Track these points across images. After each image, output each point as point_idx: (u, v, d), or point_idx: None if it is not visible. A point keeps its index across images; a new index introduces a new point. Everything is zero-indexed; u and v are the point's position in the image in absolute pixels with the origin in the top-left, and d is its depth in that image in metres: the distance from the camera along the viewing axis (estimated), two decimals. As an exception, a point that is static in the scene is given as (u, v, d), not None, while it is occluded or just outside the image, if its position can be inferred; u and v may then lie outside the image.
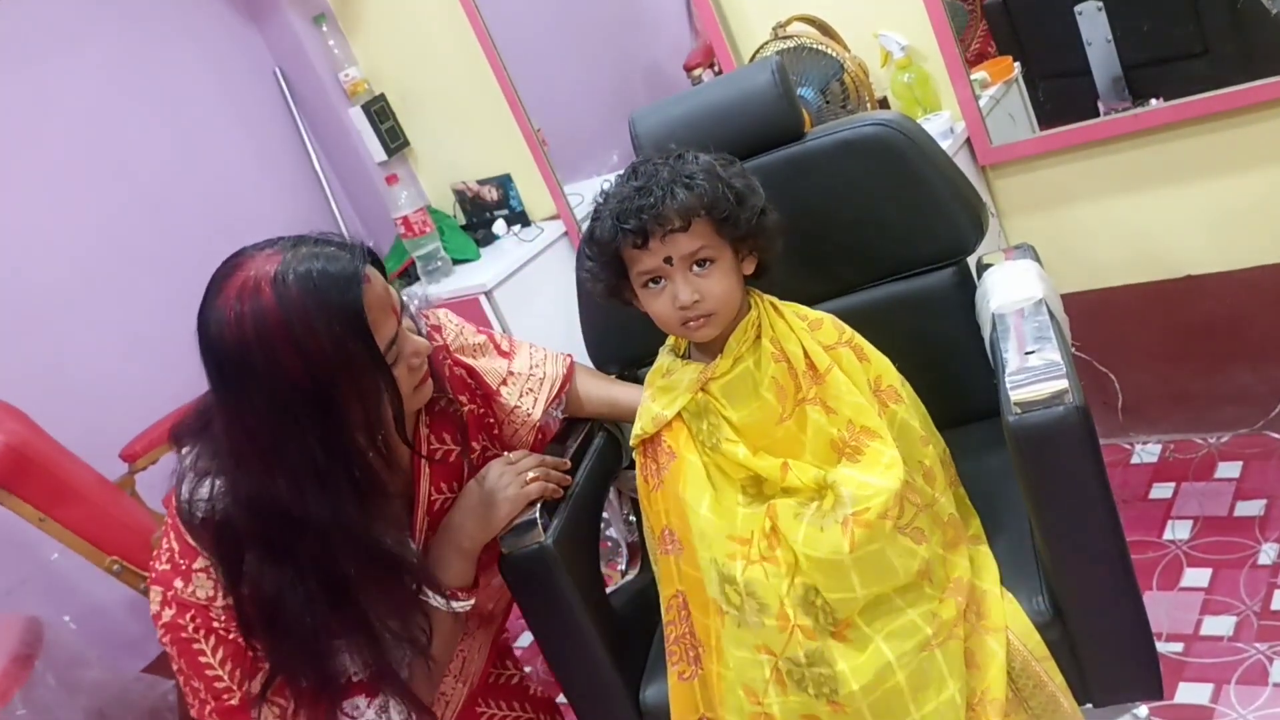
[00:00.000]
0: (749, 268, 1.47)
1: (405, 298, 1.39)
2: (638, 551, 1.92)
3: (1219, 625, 2.02)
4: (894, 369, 1.51)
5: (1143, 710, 1.85)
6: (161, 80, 3.08)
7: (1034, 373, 1.31)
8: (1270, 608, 2.01)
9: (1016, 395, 1.30)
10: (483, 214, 3.33)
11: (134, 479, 2.61)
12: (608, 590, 1.67)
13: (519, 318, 3.06)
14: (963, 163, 2.45)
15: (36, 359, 2.76)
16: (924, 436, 1.48)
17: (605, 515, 1.85)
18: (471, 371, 1.61)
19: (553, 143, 3.14)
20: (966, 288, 1.72)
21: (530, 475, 1.51)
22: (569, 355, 1.76)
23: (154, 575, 1.35)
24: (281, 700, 1.34)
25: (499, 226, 3.28)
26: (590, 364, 1.87)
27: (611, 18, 3.42)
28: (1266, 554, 2.12)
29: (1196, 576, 2.15)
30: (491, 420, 1.63)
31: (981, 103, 2.47)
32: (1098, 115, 2.41)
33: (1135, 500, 2.39)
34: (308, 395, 1.22)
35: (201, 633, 1.31)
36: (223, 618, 1.31)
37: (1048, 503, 1.34)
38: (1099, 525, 1.33)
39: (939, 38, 2.41)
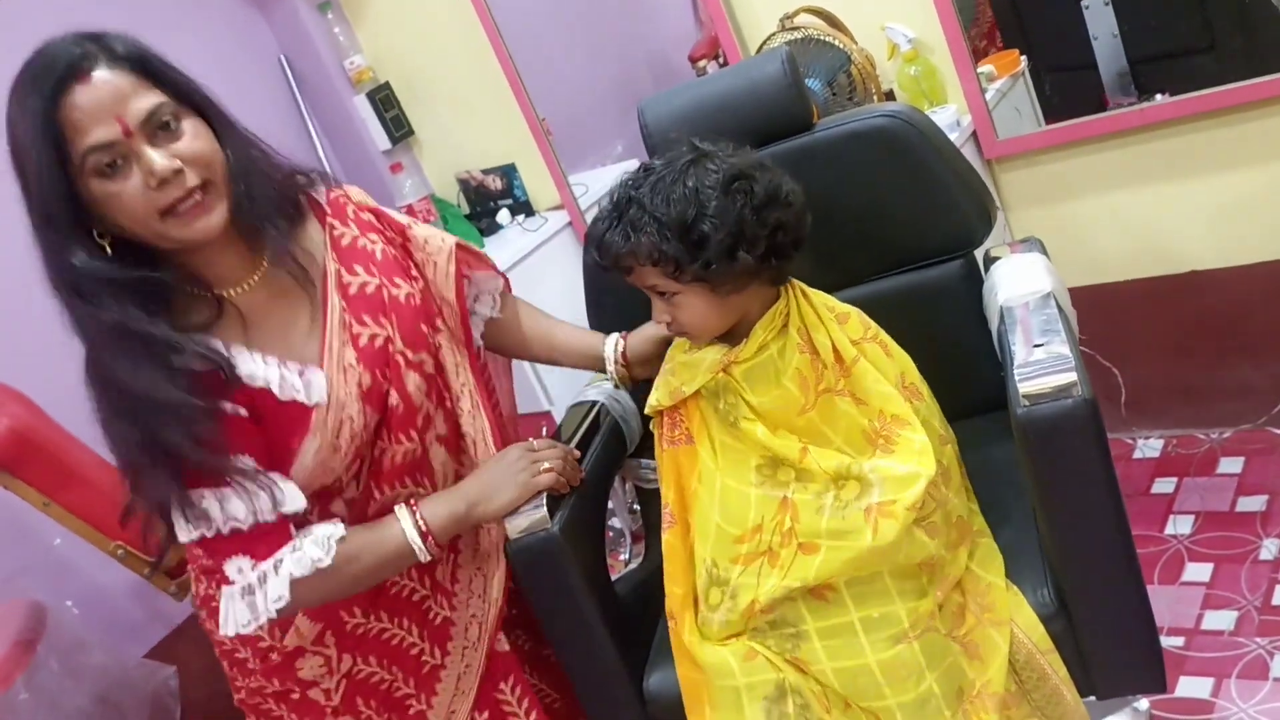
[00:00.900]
0: (750, 283, 1.41)
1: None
2: (642, 540, 1.93)
3: (1220, 620, 2.03)
4: (915, 367, 1.52)
5: (1144, 703, 1.86)
6: (166, 66, 3.06)
7: (1042, 365, 1.32)
8: (1271, 603, 2.02)
9: (1025, 388, 1.30)
10: (487, 203, 3.33)
11: (137, 465, 2.62)
12: (612, 579, 1.68)
13: (523, 308, 3.06)
14: (968, 156, 2.45)
15: (39, 343, 2.75)
16: (942, 435, 1.48)
17: (610, 504, 1.85)
18: (379, 213, 1.57)
19: (557, 132, 3.14)
20: (973, 280, 1.72)
21: (546, 465, 1.51)
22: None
23: None
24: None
25: (503, 216, 3.28)
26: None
27: (617, 8, 3.42)
28: (1268, 549, 2.13)
29: (1198, 571, 2.16)
30: (409, 263, 1.55)
31: (988, 96, 2.47)
32: (1103, 110, 2.41)
33: (1137, 495, 2.40)
34: (34, 191, 1.26)
35: None
36: None
37: (1054, 495, 1.34)
38: (1105, 518, 1.34)
39: (946, 31, 2.41)
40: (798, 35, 2.52)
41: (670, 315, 1.44)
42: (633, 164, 3.19)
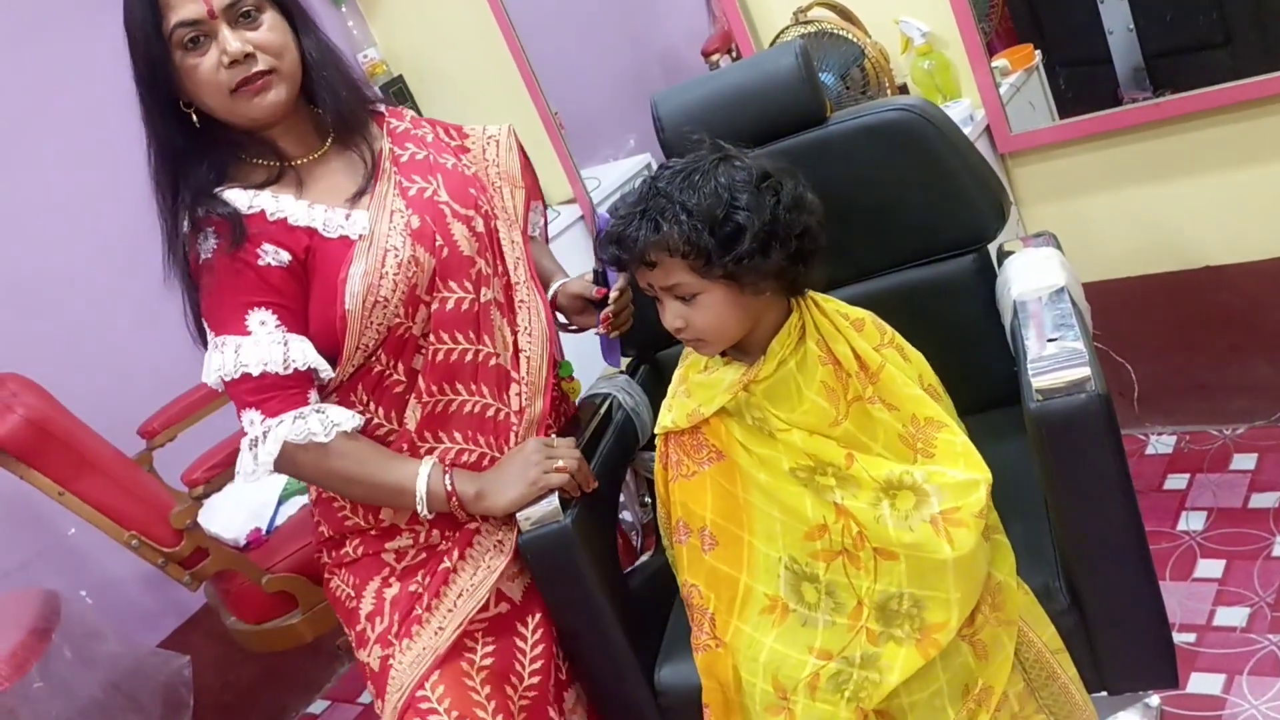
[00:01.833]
0: (771, 287, 1.39)
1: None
2: (653, 532, 1.93)
3: (1232, 616, 2.03)
4: (930, 368, 1.51)
5: (1155, 699, 1.86)
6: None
7: (1056, 360, 1.32)
8: (1284, 599, 2.02)
9: (1038, 382, 1.30)
10: (499, 196, 3.33)
11: (152, 456, 2.63)
12: (625, 571, 1.68)
13: (534, 301, 3.06)
14: (982, 150, 2.44)
15: (56, 335, 2.77)
16: None
17: (621, 496, 1.85)
18: (434, 121, 1.73)
19: (570, 126, 3.14)
20: (987, 274, 1.72)
21: (559, 464, 1.52)
22: None
23: None
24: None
25: (516, 209, 3.28)
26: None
27: (630, 2, 3.42)
28: (1281, 546, 2.13)
29: (1210, 567, 2.15)
30: (462, 149, 1.70)
31: (1002, 90, 2.46)
32: (1118, 104, 2.40)
33: (1150, 491, 2.40)
34: (133, 52, 1.45)
35: None
36: None
37: (1067, 490, 1.34)
38: (1118, 513, 1.34)
39: (960, 24, 2.40)
40: (811, 29, 2.52)
41: (685, 319, 1.40)
42: (645, 158, 3.23)
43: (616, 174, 3.25)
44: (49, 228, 2.82)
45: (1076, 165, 2.46)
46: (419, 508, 1.51)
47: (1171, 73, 2.38)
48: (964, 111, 2.44)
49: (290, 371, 1.45)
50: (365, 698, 2.88)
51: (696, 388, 1.47)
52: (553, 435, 1.60)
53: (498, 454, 1.58)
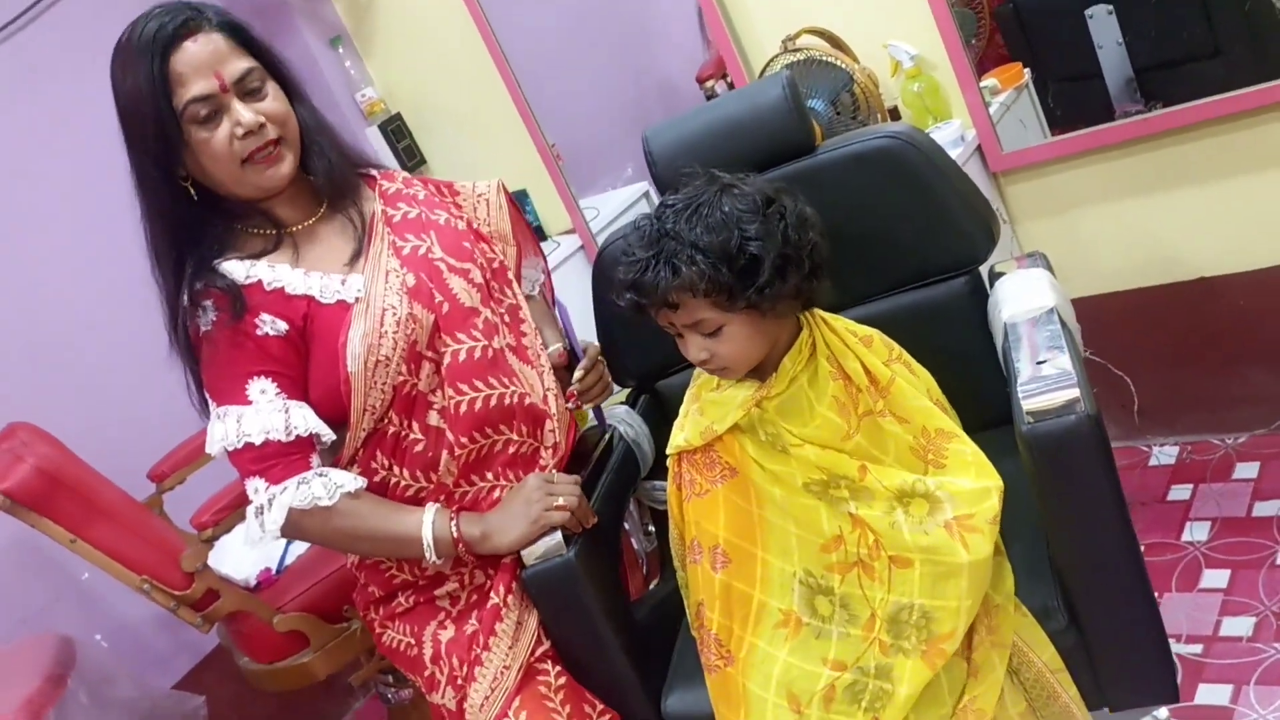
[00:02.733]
0: (789, 308, 1.41)
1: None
2: (657, 562, 1.94)
3: (1238, 626, 2.03)
4: (936, 384, 1.53)
5: (1164, 712, 1.86)
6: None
7: (1046, 381, 1.33)
8: (1289, 608, 2.02)
9: (1029, 404, 1.31)
10: (500, 229, 3.36)
11: (162, 499, 2.65)
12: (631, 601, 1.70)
13: (536, 332, 3.08)
14: (974, 170, 2.47)
15: (65, 382, 2.80)
16: None
17: (625, 526, 1.87)
18: (425, 179, 1.76)
19: (567, 157, 3.16)
20: (979, 296, 1.73)
21: (560, 502, 1.54)
22: None
23: None
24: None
25: (516, 241, 3.30)
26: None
27: (624, 31, 3.44)
28: (1285, 554, 2.13)
29: (1215, 577, 2.16)
30: (454, 205, 1.73)
31: (992, 109, 2.48)
32: (1109, 119, 2.41)
33: (1153, 502, 2.40)
34: (134, 127, 1.48)
35: None
36: None
37: (1061, 510, 1.35)
38: (1112, 531, 1.35)
39: (948, 46, 2.42)
40: (800, 57, 2.54)
41: (710, 351, 1.40)
42: (643, 186, 3.25)
43: (615, 203, 3.27)
44: (57, 274, 2.86)
45: (1069, 181, 2.48)
46: (427, 554, 1.52)
47: (1163, 85, 2.39)
48: (955, 132, 2.45)
49: (293, 438, 1.48)
50: (381, 732, 2.89)
51: (709, 405, 1.48)
52: (551, 470, 1.62)
53: None
